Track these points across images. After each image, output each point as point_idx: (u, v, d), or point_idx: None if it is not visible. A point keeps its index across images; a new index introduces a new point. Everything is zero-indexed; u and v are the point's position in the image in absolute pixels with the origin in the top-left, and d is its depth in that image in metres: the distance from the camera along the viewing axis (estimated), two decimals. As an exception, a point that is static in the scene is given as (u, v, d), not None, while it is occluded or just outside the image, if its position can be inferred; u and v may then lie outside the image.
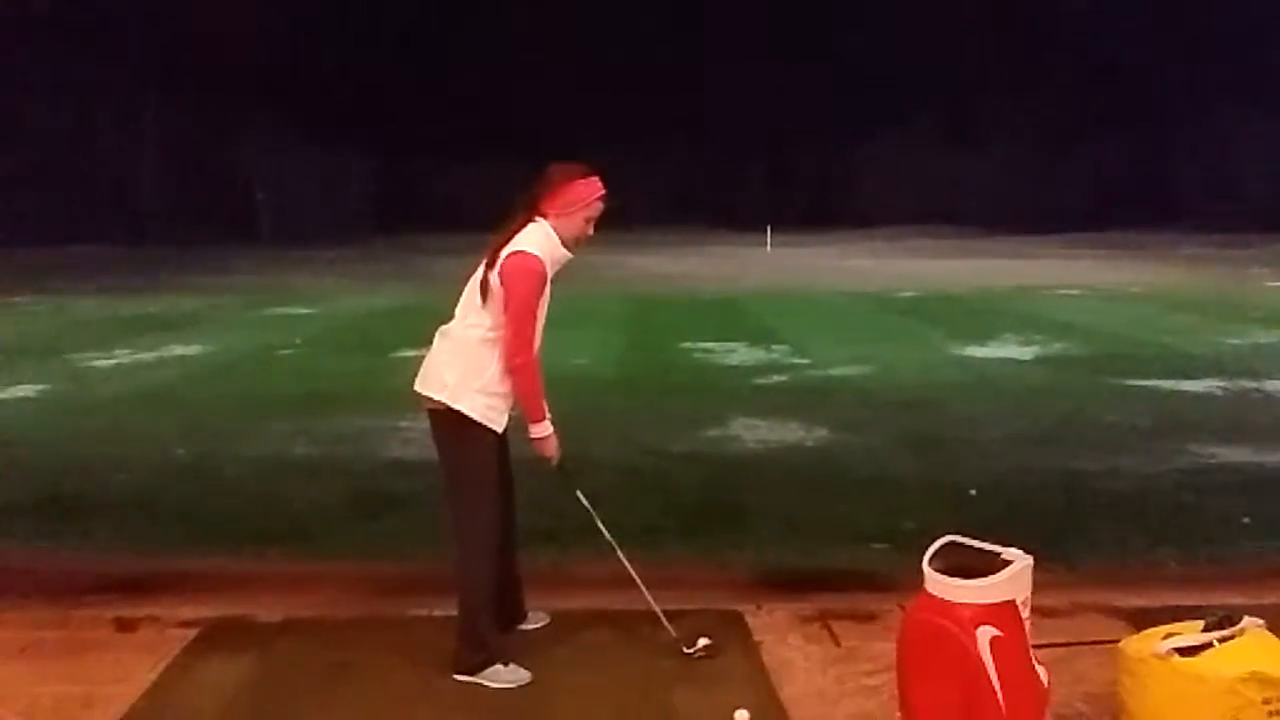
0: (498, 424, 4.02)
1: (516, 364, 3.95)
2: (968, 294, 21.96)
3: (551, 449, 4.09)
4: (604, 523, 4.29)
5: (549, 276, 4.01)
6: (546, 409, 4.07)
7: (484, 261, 4.01)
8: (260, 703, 3.94)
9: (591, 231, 4.12)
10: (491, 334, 3.98)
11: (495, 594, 4.14)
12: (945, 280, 25.58)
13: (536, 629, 4.49)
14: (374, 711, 3.88)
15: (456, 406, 3.97)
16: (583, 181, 4.07)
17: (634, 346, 14.73)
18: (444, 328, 4.12)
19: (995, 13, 58.11)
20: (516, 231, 4.01)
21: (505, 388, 4.01)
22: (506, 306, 3.93)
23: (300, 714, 3.87)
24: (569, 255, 4.10)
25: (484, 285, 3.97)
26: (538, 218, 4.03)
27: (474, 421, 3.97)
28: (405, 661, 4.22)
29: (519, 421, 4.08)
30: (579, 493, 4.27)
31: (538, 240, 3.99)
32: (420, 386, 4.07)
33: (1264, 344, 13.97)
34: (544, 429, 4.06)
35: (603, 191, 4.09)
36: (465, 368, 3.98)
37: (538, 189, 4.06)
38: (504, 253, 3.96)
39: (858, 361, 12.66)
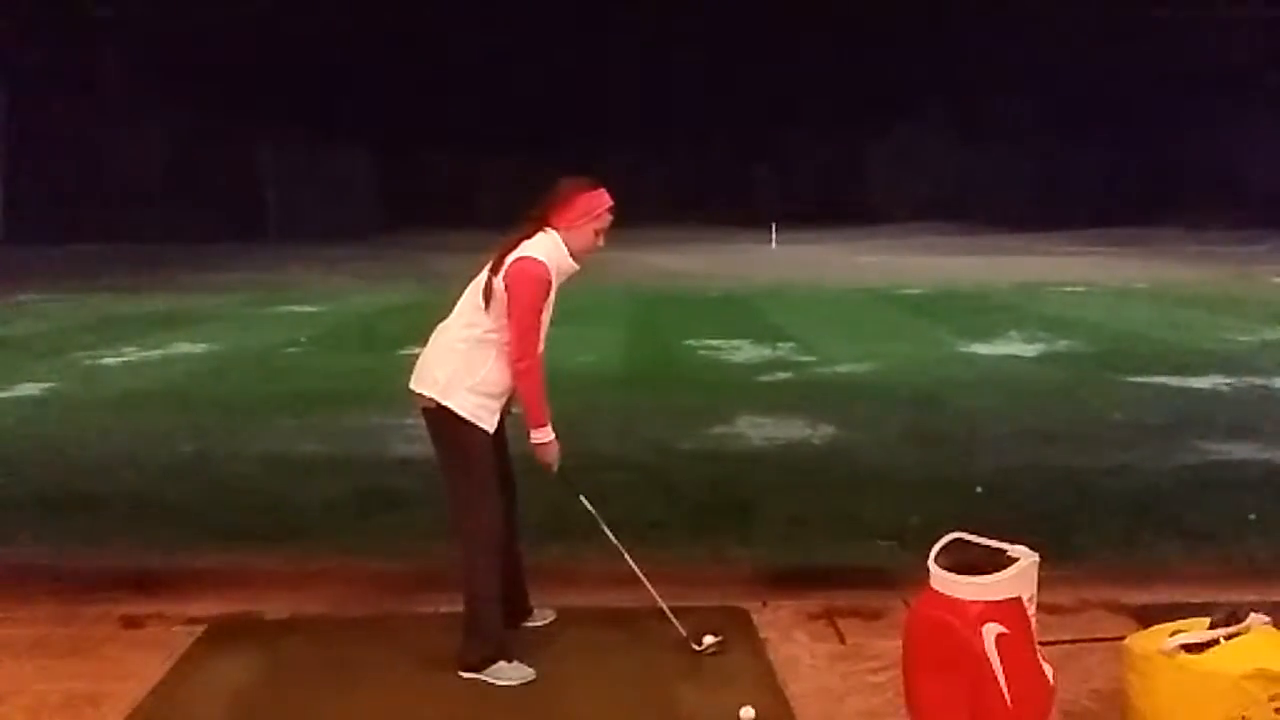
0: (488, 423, 4.01)
1: (520, 368, 3.95)
2: (974, 291, 21.92)
3: (551, 455, 4.07)
4: (608, 524, 4.29)
5: (555, 285, 4.01)
6: (549, 415, 4.05)
7: (488, 266, 4.01)
8: (266, 700, 3.95)
9: (601, 243, 4.11)
10: (490, 335, 3.98)
11: (500, 589, 4.14)
12: (951, 277, 25.53)
13: (542, 626, 4.49)
14: (379, 708, 3.88)
15: (446, 403, 3.97)
16: (591, 194, 4.07)
17: (640, 343, 14.72)
18: (441, 325, 4.13)
19: (1000, 9, 58.00)
20: (524, 240, 4.01)
21: (498, 389, 4.01)
22: (510, 311, 3.93)
23: (306, 711, 3.88)
24: (576, 267, 4.10)
25: (487, 289, 3.96)
26: (547, 229, 4.04)
27: (463, 419, 3.97)
28: (411, 658, 4.23)
29: (521, 419, 4.07)
30: (582, 497, 4.27)
31: (546, 248, 3.99)
32: (414, 384, 4.07)
33: (1270, 341, 13.94)
34: (545, 434, 4.04)
35: (611, 203, 4.09)
36: (458, 366, 3.98)
37: (547, 201, 4.06)
38: (510, 258, 3.96)
39: (863, 359, 12.65)
